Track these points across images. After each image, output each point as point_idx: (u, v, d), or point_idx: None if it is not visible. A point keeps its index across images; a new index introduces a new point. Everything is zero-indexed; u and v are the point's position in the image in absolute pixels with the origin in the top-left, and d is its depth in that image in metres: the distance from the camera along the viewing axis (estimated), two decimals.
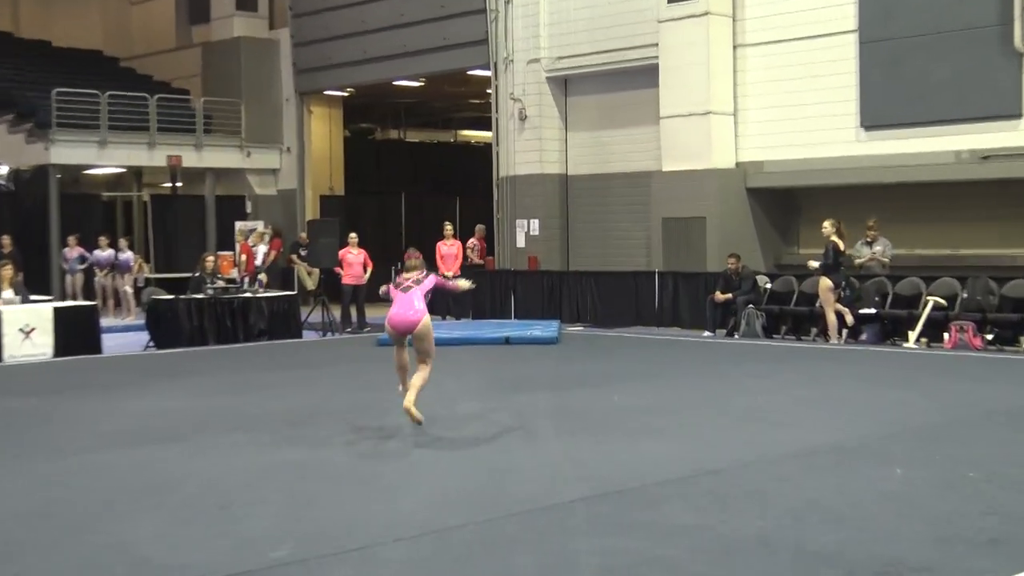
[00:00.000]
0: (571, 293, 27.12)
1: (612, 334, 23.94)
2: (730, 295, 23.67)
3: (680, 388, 15.48)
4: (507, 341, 21.88)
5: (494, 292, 28.30)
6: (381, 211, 38.92)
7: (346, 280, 26.23)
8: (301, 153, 37.12)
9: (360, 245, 26.61)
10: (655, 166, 27.49)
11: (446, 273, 25.58)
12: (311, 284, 30.02)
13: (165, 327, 22.81)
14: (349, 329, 25.67)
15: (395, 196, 39.73)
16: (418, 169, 43.59)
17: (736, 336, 23.07)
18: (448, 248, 27.28)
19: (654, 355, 19.88)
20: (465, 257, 28.51)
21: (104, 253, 30.65)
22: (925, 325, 20.90)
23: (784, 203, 26.78)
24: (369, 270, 26.37)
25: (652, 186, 27.22)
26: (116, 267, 30.51)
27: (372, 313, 26.42)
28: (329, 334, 25.23)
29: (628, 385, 15.72)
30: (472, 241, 29.87)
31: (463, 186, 40.72)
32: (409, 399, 12.06)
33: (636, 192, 28.35)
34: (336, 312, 26.14)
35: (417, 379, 12.28)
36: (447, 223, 27.99)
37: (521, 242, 30.23)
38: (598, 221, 29.62)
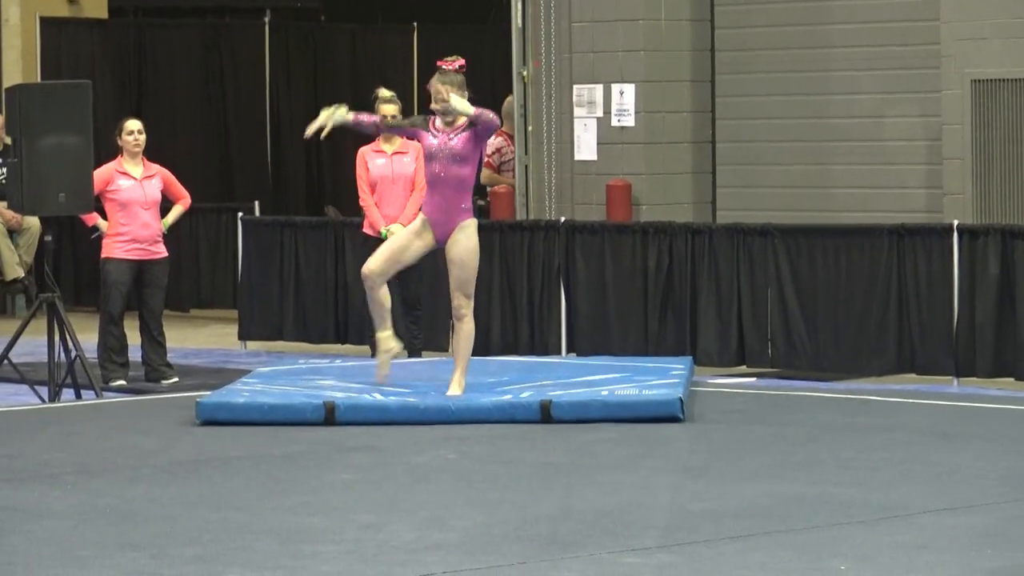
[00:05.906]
0: (722, 287, 12.20)
1: (828, 395, 10.93)
2: None
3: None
4: (546, 413, 9.61)
5: (513, 282, 12.89)
6: (208, 59, 19.12)
7: (112, 248, 11.48)
8: None
9: (152, 155, 11.91)
10: None
11: (385, 229, 11.67)
12: (16, 263, 15.22)
13: None
14: (121, 381, 11.53)
15: (246, 20, 20.45)
16: None
17: None
18: (388, 160, 11.98)
19: (943, 453, 8.65)
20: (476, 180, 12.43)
21: None
22: None
23: None
24: (178, 211, 11.91)
25: None
26: None
27: (181, 334, 13.48)
28: (67, 393, 11.00)
29: (875, 531, 6.60)
30: (498, 142, 14.27)
31: None
32: (455, 388, 9.55)
33: (892, 10, 13.28)
34: (86, 334, 11.75)
35: (458, 347, 9.69)
36: (384, 93, 11.82)
37: (588, 148, 14.21)
38: (793, 90, 13.86)
